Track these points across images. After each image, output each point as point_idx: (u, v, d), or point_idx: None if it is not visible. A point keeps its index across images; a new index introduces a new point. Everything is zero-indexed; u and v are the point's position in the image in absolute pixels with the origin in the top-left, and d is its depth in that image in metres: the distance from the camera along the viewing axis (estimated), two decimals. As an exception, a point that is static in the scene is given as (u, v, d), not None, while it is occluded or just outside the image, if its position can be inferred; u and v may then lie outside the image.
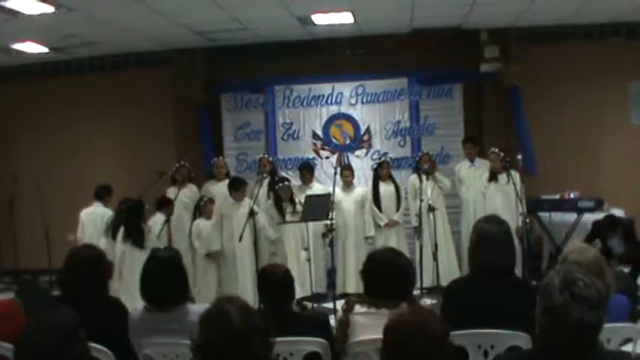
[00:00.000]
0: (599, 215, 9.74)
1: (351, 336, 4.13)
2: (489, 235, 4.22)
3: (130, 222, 8.62)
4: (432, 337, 2.84)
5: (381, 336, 2.97)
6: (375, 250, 4.59)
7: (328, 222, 9.07)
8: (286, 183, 9.87)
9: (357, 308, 4.19)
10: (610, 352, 3.43)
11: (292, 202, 9.67)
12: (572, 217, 10.25)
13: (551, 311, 2.73)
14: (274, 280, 4.43)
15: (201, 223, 9.75)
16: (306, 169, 10.69)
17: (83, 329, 3.18)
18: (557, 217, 10.49)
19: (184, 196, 10.25)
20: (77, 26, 9.65)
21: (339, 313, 4.32)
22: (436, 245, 8.88)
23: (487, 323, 3.99)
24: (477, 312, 4.07)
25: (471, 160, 10.58)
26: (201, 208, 9.84)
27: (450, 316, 4.18)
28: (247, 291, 8.81)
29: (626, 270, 7.80)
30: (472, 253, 4.32)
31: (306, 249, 9.32)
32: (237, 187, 9.43)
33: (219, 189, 10.24)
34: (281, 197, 9.76)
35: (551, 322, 2.74)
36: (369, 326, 4.01)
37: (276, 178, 10.28)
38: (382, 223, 10.32)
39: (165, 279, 4.28)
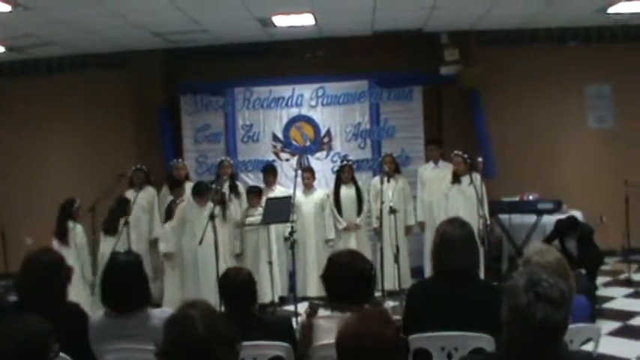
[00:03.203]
0: (558, 217, 9.84)
1: (314, 340, 4.10)
2: (452, 238, 4.22)
3: (58, 219, 8.80)
4: (384, 342, 2.84)
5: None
6: (335, 253, 4.53)
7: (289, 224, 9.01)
8: (215, 186, 9.78)
9: (321, 312, 4.16)
10: (573, 352, 3.46)
11: (223, 204, 9.53)
12: (531, 218, 10.35)
13: (516, 311, 2.72)
14: (237, 284, 4.38)
15: (168, 226, 9.64)
16: (269, 172, 10.63)
17: (54, 337, 3.12)
18: (517, 218, 10.58)
19: (142, 199, 10.13)
20: (35, 26, 9.48)
21: (303, 316, 4.29)
22: (397, 248, 8.88)
23: (451, 325, 3.99)
24: (440, 314, 4.07)
25: (435, 162, 10.62)
26: (172, 211, 9.70)
27: (414, 319, 4.19)
28: (210, 294, 8.70)
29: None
30: (435, 256, 4.31)
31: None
32: (200, 194, 9.31)
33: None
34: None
35: (516, 322, 2.73)
36: (332, 330, 3.95)
37: (236, 182, 10.27)
38: (341, 227, 10.31)
39: (126, 283, 4.19)
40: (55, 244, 8.67)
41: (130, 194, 10.07)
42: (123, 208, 9.28)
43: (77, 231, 8.96)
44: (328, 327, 4.02)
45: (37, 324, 3.12)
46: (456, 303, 4.06)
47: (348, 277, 4.13)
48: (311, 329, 4.14)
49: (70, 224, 8.93)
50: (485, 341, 3.93)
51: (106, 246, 8.95)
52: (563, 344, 2.86)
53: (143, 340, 3.81)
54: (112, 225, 9.20)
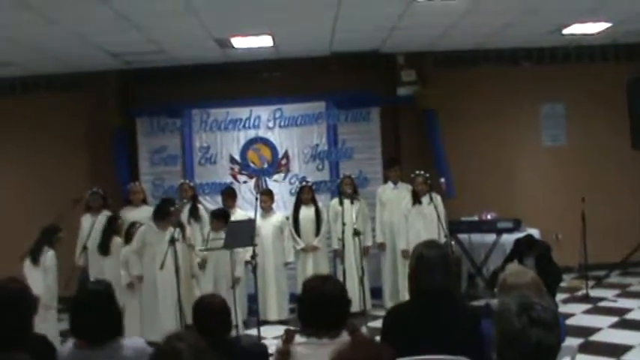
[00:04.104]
0: (517, 236, 9.90)
1: (292, 367, 4.03)
2: (429, 260, 4.18)
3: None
4: None
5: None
6: (308, 278, 4.48)
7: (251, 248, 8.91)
8: (176, 207, 9.65)
9: (298, 338, 4.09)
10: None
11: (181, 226, 9.35)
12: (491, 237, 10.41)
13: (511, 337, 2.70)
14: (212, 311, 4.30)
15: (128, 249, 9.40)
16: (229, 195, 10.53)
17: None
18: (477, 238, 10.64)
19: (100, 223, 9.91)
20: (-11, 46, 9.31)
21: (279, 343, 4.22)
22: (362, 269, 8.85)
23: (430, 349, 3.94)
24: (420, 337, 4.02)
25: (394, 183, 10.63)
26: (132, 235, 9.49)
27: (392, 343, 4.14)
28: (169, 320, 8.57)
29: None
30: (412, 279, 4.27)
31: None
32: (162, 217, 9.18)
33: (135, 215, 9.97)
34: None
35: (512, 348, 2.71)
36: (309, 357, 3.93)
37: (197, 204, 10.17)
38: (299, 247, 10.26)
39: (96, 313, 4.06)
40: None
41: (86, 219, 9.91)
42: (49, 237, 8.91)
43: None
44: (305, 354, 3.96)
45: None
46: (435, 325, 4.02)
47: (319, 303, 4.06)
48: (288, 356, 4.06)
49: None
50: (468, 364, 3.91)
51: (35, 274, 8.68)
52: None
53: (115, 372, 3.72)
54: (38, 253, 8.79)
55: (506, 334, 2.72)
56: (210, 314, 4.29)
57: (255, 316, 9.09)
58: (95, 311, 4.07)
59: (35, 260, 8.64)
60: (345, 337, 3.90)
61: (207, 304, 4.39)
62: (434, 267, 4.15)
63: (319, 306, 4.07)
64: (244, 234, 8.60)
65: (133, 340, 4.15)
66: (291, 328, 4.28)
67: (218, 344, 4.14)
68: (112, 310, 4.16)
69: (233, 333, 8.35)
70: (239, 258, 9.25)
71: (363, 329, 4.47)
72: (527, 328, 2.67)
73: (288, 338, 4.12)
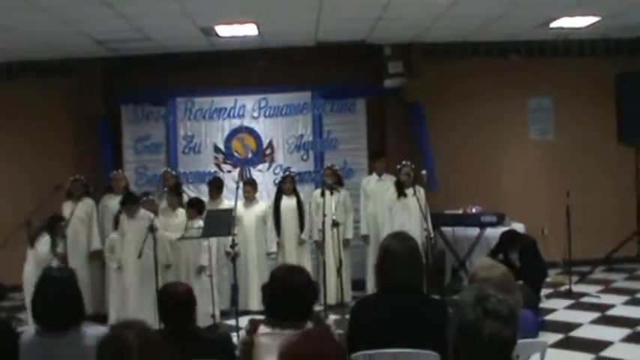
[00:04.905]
0: (501, 229, 9.85)
1: (255, 358, 3.97)
2: (396, 252, 4.13)
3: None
4: None
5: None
6: (275, 268, 4.43)
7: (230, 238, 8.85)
8: (150, 197, 9.61)
9: (262, 329, 4.04)
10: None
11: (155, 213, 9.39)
12: (474, 231, 10.36)
13: (464, 328, 2.65)
14: (175, 300, 4.23)
15: (115, 236, 9.45)
16: (215, 186, 10.47)
17: None
18: (460, 231, 10.60)
19: (80, 210, 9.87)
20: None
21: (243, 333, 4.17)
22: (340, 261, 8.80)
23: (396, 342, 3.91)
24: (384, 331, 3.98)
25: (379, 175, 10.57)
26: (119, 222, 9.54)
27: (358, 336, 4.10)
28: (147, 310, 8.51)
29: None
30: (378, 271, 4.22)
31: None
32: (124, 203, 9.28)
33: (117, 203, 9.90)
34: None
35: (464, 339, 2.66)
36: (273, 348, 3.86)
37: (181, 193, 10.12)
38: (271, 249, 10.24)
39: (59, 301, 4.00)
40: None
41: (67, 206, 9.85)
42: (51, 224, 9.20)
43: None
44: (269, 344, 3.90)
45: None
46: (400, 319, 3.98)
47: (284, 293, 4.01)
48: (252, 347, 4.01)
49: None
50: (431, 358, 3.86)
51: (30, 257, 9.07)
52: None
53: (77, 360, 3.66)
54: (35, 237, 9.14)
55: (461, 326, 2.67)
56: (172, 303, 4.23)
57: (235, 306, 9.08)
58: (57, 299, 4.01)
59: (32, 244, 8.98)
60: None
61: (170, 293, 4.32)
62: (400, 260, 4.10)
63: (284, 296, 4.02)
64: (222, 223, 8.55)
65: (95, 327, 4.09)
66: (256, 318, 4.23)
67: (181, 334, 4.10)
68: (74, 297, 4.10)
69: (210, 322, 8.45)
70: (203, 246, 9.18)
71: (330, 321, 4.40)
72: (481, 320, 2.61)
73: (252, 329, 4.07)
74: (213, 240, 9.11)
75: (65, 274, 4.26)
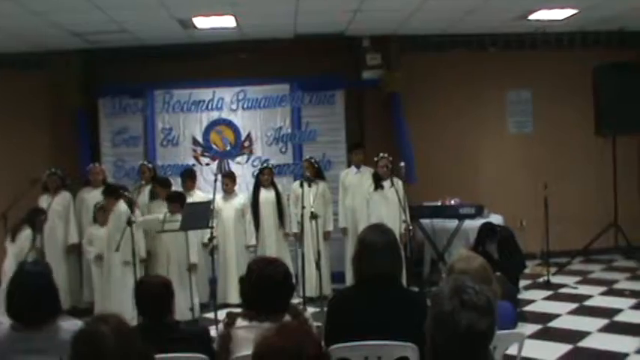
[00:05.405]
0: (479, 222, 9.87)
1: (233, 351, 3.95)
2: (373, 244, 4.11)
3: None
4: (303, 358, 2.69)
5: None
6: (252, 261, 4.42)
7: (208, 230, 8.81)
8: (126, 193, 9.57)
9: (239, 322, 4.02)
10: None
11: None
12: (453, 223, 10.35)
13: (440, 319, 2.64)
14: (152, 293, 4.21)
15: (94, 229, 9.46)
16: (188, 177, 10.42)
17: None
18: (439, 223, 10.59)
19: (57, 204, 9.80)
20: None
21: (221, 326, 4.15)
22: (319, 253, 8.78)
23: (374, 334, 3.90)
24: (362, 323, 3.97)
25: (357, 167, 10.56)
26: (96, 215, 9.53)
27: (336, 328, 4.09)
28: (125, 304, 8.47)
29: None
30: (356, 262, 4.20)
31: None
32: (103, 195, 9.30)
33: (94, 196, 9.86)
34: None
35: (441, 330, 2.64)
36: (251, 340, 3.84)
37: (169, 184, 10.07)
38: (250, 242, 10.20)
39: (34, 295, 3.96)
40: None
41: (43, 199, 9.77)
42: (32, 217, 9.13)
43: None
44: (247, 337, 3.88)
45: None
46: (378, 311, 3.96)
47: (261, 285, 4.00)
48: (229, 340, 3.99)
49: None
50: (409, 350, 3.86)
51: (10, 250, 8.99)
52: (489, 352, 2.78)
53: (52, 355, 3.61)
54: (16, 231, 9.07)
55: (437, 316, 2.66)
56: (149, 296, 4.20)
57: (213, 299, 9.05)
58: (32, 293, 3.96)
59: (13, 237, 8.93)
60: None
61: (147, 285, 4.30)
62: (378, 252, 4.08)
63: (262, 289, 4.01)
64: (201, 216, 8.51)
65: (70, 322, 4.05)
66: (234, 311, 4.21)
67: (158, 327, 4.07)
68: (49, 291, 4.06)
69: (189, 315, 8.42)
70: (192, 243, 9.14)
71: (307, 314, 4.38)
72: (457, 311, 2.59)
73: (229, 322, 4.06)
74: (190, 233, 9.05)
75: (39, 268, 4.23)
